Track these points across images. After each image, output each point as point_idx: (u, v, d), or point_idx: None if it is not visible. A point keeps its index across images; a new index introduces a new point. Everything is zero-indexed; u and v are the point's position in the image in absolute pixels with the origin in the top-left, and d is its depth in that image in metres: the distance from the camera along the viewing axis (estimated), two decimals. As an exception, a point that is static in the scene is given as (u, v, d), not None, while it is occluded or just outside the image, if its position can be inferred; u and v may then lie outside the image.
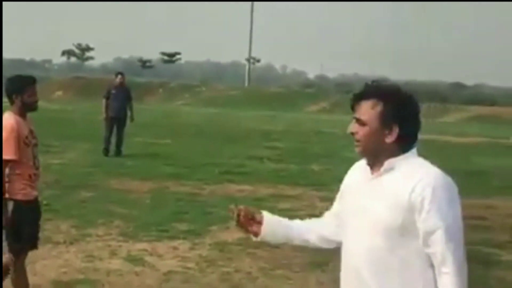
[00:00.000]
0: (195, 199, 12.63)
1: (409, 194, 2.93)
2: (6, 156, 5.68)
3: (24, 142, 5.93)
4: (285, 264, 8.40)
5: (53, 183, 13.37)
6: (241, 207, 3.40)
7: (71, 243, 8.99)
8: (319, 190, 13.89)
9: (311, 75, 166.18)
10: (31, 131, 6.07)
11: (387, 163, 3.04)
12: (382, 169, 3.05)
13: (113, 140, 18.83)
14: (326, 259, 7.69)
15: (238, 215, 3.36)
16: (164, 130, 28.17)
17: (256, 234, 3.45)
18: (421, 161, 3.05)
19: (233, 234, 9.73)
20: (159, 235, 9.53)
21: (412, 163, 3.02)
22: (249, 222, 3.42)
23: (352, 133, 3.06)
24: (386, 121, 2.99)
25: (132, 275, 7.73)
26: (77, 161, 17.46)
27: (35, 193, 6.11)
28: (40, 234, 9.08)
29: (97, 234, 9.53)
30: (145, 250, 8.79)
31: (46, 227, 9.70)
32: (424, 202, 2.91)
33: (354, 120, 3.06)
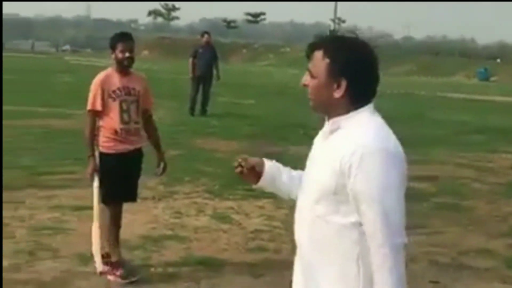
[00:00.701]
0: (280, 159, 12.59)
1: (341, 158, 2.67)
2: (88, 106, 6.15)
3: (110, 95, 6.16)
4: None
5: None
6: (243, 157, 3.18)
7: (159, 200, 9.14)
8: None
9: (397, 37, 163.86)
10: (125, 87, 6.26)
11: (332, 122, 2.79)
12: (328, 129, 2.82)
13: (199, 99, 18.99)
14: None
15: (241, 166, 3.13)
16: (248, 90, 28.27)
17: (255, 182, 3.21)
18: (365, 120, 2.73)
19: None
20: (244, 194, 9.58)
21: (355, 122, 2.73)
22: (251, 173, 3.18)
23: (305, 85, 2.84)
24: (333, 74, 2.73)
25: (219, 233, 7.81)
26: (164, 119, 17.65)
27: (122, 147, 6.25)
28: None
29: (184, 191, 9.66)
30: (231, 208, 8.87)
31: (135, 184, 9.94)
32: (352, 168, 2.64)
33: (307, 72, 2.84)
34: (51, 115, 17.95)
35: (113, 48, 6.24)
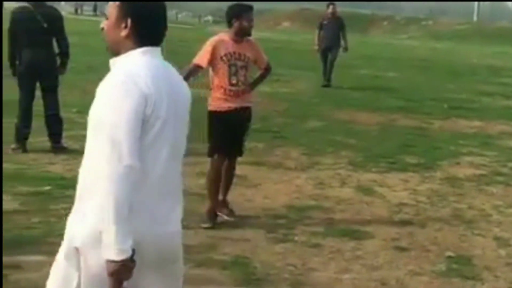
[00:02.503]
0: (423, 133, 12.40)
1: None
2: (194, 59, 6.82)
3: (221, 58, 6.74)
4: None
5: (283, 112, 13.74)
6: None
7: (302, 170, 9.16)
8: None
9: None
10: (236, 53, 6.78)
11: (112, 61, 3.04)
12: (111, 68, 3.04)
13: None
14: None
15: None
16: (389, 63, 27.80)
17: None
18: (135, 59, 2.97)
19: (465, 170, 9.51)
20: (388, 167, 9.48)
21: (127, 60, 2.97)
22: None
23: (102, 29, 3.08)
24: (121, 14, 2.99)
25: (362, 205, 7.75)
26: (305, 90, 17.72)
27: (228, 105, 6.81)
28: (271, 159, 9.48)
29: (326, 162, 9.64)
30: (375, 180, 8.78)
31: (277, 153, 10.04)
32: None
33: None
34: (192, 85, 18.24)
35: (237, 17, 6.75)
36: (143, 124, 2.84)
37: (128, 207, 2.77)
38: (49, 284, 3.13)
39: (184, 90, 3.15)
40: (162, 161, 2.95)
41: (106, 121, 2.80)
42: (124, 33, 2.98)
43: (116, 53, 3.04)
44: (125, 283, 2.86)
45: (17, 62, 9.19)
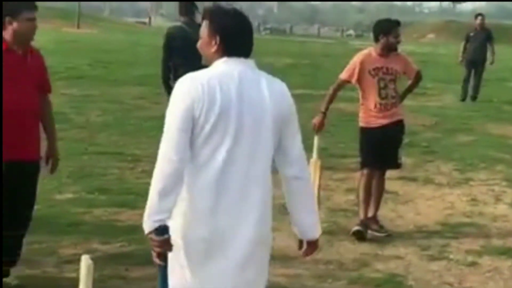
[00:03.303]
0: None
1: None
2: (341, 74, 6.95)
3: (369, 72, 6.80)
4: None
5: (432, 126, 13.47)
6: None
7: (454, 186, 8.93)
8: None
9: None
10: (384, 67, 6.82)
11: None
12: None
13: (471, 84, 18.05)
14: None
15: None
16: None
17: None
18: (210, 69, 3.34)
19: None
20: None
21: (207, 70, 3.35)
22: None
23: (199, 48, 3.45)
24: (211, 32, 3.35)
25: (517, 223, 7.48)
26: (453, 104, 17.31)
27: (378, 122, 6.86)
28: (421, 174, 9.29)
29: (479, 178, 9.36)
30: (532, 197, 8.44)
31: (427, 168, 9.84)
32: None
33: None
34: (341, 99, 18.19)
35: (384, 33, 6.81)
36: (194, 125, 3.21)
37: (163, 195, 3.17)
38: None
39: (269, 98, 3.31)
40: (219, 161, 3.22)
41: (165, 120, 3.27)
42: (213, 49, 3.35)
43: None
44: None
45: (171, 82, 9.41)
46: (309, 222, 3.49)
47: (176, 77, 9.29)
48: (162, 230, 3.18)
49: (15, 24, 4.90)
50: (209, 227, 3.23)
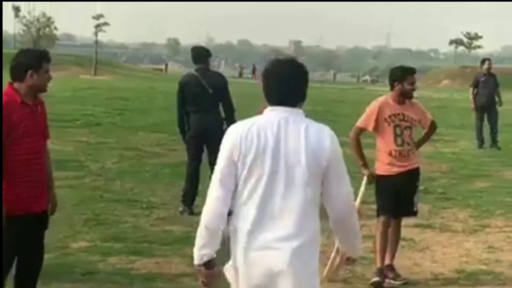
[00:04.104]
0: None
1: None
2: (358, 123, 6.99)
3: (385, 120, 6.83)
4: None
5: (448, 172, 13.40)
6: None
7: (470, 233, 8.86)
8: None
9: None
10: (400, 114, 6.84)
11: None
12: None
13: (486, 130, 17.90)
14: None
15: None
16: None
17: None
18: (258, 117, 3.70)
19: None
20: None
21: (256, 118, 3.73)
22: None
23: None
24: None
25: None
26: (469, 150, 17.23)
27: (396, 170, 6.87)
28: (437, 221, 9.23)
29: (496, 225, 9.28)
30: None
31: (444, 215, 9.78)
32: None
33: None
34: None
35: (399, 80, 6.86)
36: (236, 169, 3.63)
37: (210, 229, 3.64)
38: None
39: (305, 143, 3.58)
40: (257, 197, 3.61)
41: None
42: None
43: None
44: None
45: (186, 128, 9.47)
46: (350, 247, 3.97)
47: (189, 123, 9.46)
48: (209, 263, 3.63)
49: (35, 77, 4.95)
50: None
